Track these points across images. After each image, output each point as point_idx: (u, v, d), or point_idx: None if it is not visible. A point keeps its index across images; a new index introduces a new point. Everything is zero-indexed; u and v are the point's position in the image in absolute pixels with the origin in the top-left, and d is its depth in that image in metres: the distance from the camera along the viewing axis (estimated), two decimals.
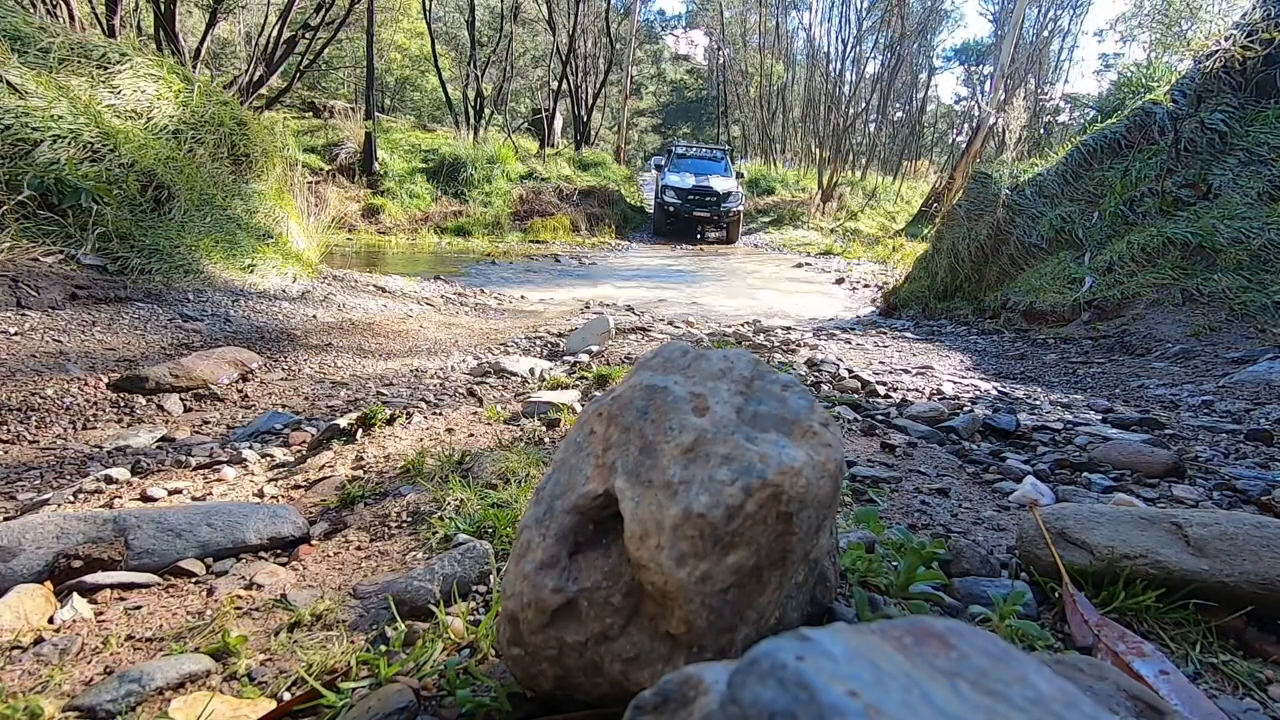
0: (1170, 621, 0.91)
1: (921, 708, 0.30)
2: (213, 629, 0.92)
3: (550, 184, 16.59)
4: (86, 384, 2.36)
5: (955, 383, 3.06)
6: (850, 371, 3.02)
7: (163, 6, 7.92)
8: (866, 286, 9.59)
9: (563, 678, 0.65)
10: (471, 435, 1.84)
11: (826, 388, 2.73)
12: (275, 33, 10.03)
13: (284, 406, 2.48)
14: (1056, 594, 0.97)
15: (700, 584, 0.59)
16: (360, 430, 1.88)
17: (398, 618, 0.90)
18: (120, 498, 1.52)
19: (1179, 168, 5.43)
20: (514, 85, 23.13)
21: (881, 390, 2.71)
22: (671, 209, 16.19)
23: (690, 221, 16.48)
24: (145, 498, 1.50)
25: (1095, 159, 6.22)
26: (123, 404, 2.33)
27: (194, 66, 8.14)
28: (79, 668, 0.85)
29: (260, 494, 1.55)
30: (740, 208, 16.54)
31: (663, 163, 18.18)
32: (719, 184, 16.23)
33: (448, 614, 0.89)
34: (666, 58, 40.90)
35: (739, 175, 17.79)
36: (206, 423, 2.30)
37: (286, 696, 0.77)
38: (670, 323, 4.65)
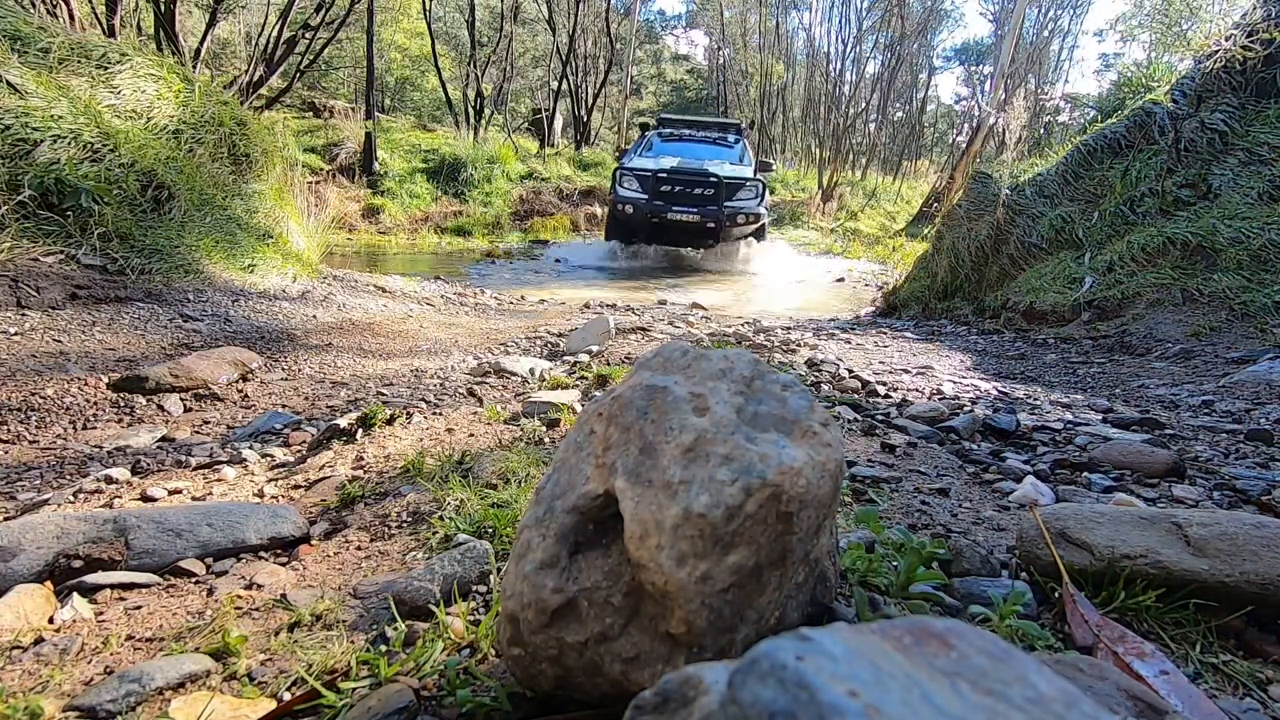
0: (1170, 621, 0.91)
1: (921, 708, 0.30)
2: (213, 629, 0.92)
3: (550, 184, 16.55)
4: (86, 384, 2.36)
5: (955, 383, 3.06)
6: (850, 371, 3.02)
7: (163, 6, 7.91)
8: (866, 286, 9.60)
9: (563, 678, 0.65)
10: (471, 435, 1.84)
11: (826, 388, 2.73)
12: (275, 33, 10.03)
13: (284, 406, 2.48)
14: (1056, 594, 0.97)
15: (700, 584, 0.59)
16: (360, 430, 1.88)
17: (398, 618, 0.90)
18: (120, 498, 1.52)
19: (1179, 168, 5.43)
20: (514, 85, 23.13)
21: (881, 390, 2.71)
22: (631, 209, 9.54)
23: (663, 231, 9.75)
24: (145, 498, 1.50)
25: (1095, 159, 6.22)
26: (123, 404, 2.33)
27: (194, 66, 8.15)
28: (79, 668, 0.85)
29: (260, 494, 1.55)
30: (761, 210, 9.86)
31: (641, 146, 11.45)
32: (721, 168, 9.82)
33: (448, 614, 0.89)
34: (666, 58, 40.92)
35: (765, 167, 11.15)
36: (206, 423, 2.30)
37: (286, 696, 0.77)
38: (670, 322, 4.65)
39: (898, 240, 14.83)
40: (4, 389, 2.21)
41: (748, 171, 10.32)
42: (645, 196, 9.59)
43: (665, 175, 9.62)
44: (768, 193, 10.66)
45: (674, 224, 9.64)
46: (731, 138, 11.91)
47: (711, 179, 9.54)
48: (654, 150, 11.05)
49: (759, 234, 10.52)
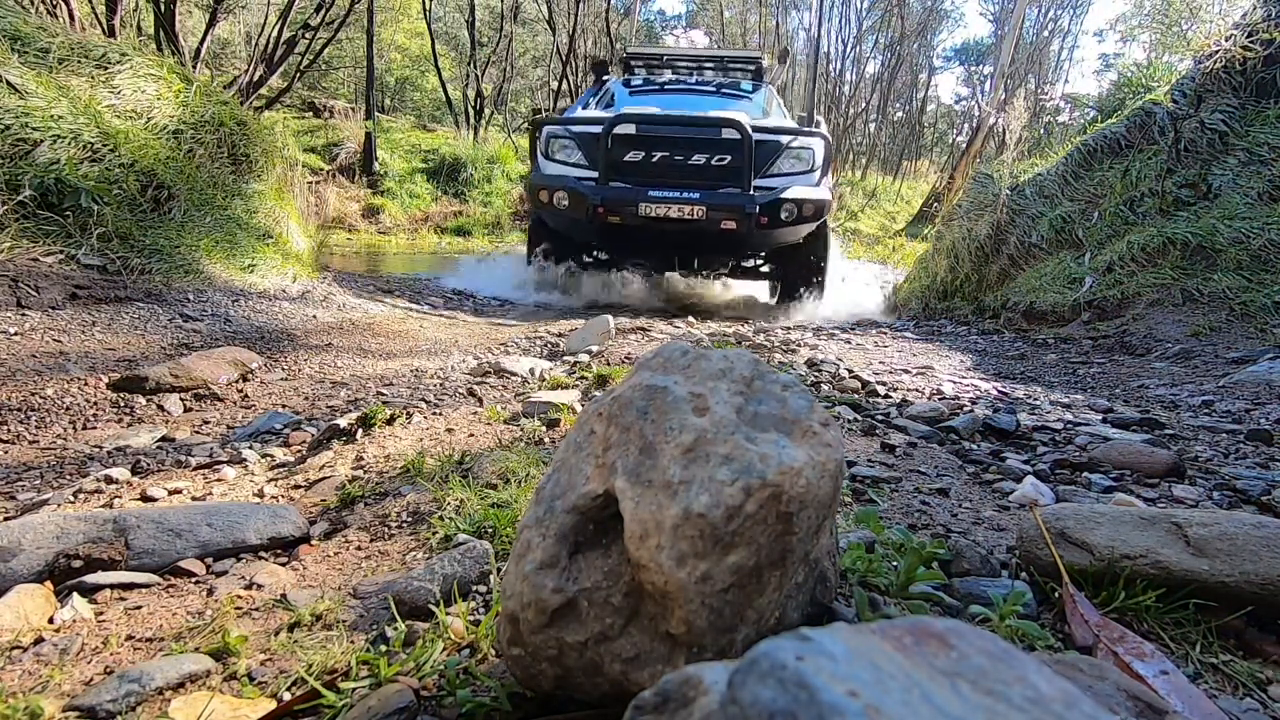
0: (1170, 621, 0.91)
1: (921, 708, 0.30)
2: (213, 629, 0.92)
3: None
4: (86, 384, 2.36)
5: (955, 383, 3.06)
6: (850, 371, 3.02)
7: (163, 6, 7.91)
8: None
9: (563, 678, 0.65)
10: (471, 435, 1.84)
11: (826, 388, 2.73)
12: (275, 33, 10.03)
13: (284, 406, 2.48)
14: (1056, 594, 0.97)
15: (700, 584, 0.59)
16: (360, 430, 1.88)
17: (398, 618, 0.90)
18: (120, 498, 1.52)
19: (1179, 168, 5.43)
20: (514, 85, 23.15)
21: (881, 390, 2.71)
22: (565, 200, 5.12)
23: (634, 240, 5.45)
24: (145, 498, 1.50)
25: (1095, 159, 6.22)
26: (123, 404, 2.33)
27: (194, 66, 8.15)
28: (79, 668, 0.85)
29: (260, 494, 1.55)
30: (824, 194, 5.25)
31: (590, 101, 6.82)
32: (741, 117, 5.24)
33: (448, 614, 0.89)
34: None
35: (815, 125, 5.70)
36: (206, 423, 2.29)
37: (286, 696, 0.77)
38: (670, 323, 4.65)
39: (898, 240, 14.83)
40: (4, 389, 2.21)
41: (783, 123, 5.93)
42: (593, 175, 5.13)
43: (635, 131, 5.14)
44: (830, 166, 5.58)
45: (656, 225, 5.03)
46: (747, 85, 7.19)
47: (726, 132, 5.10)
48: (618, 105, 6.30)
49: (818, 248, 5.62)
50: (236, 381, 2.67)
